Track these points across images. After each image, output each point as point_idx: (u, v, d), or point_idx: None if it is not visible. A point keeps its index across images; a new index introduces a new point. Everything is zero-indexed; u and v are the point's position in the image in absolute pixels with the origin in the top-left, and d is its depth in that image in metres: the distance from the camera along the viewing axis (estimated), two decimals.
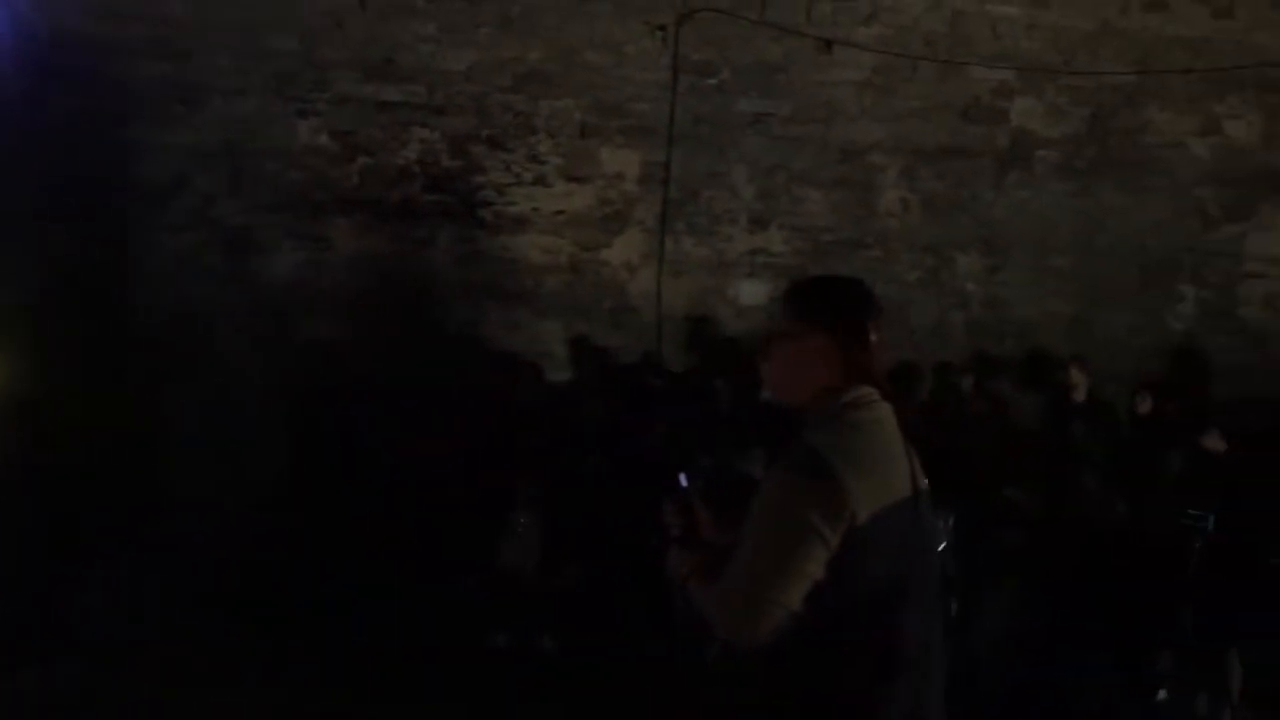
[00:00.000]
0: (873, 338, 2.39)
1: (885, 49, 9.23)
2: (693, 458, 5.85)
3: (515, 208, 8.98)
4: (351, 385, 8.21)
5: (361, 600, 6.43)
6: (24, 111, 7.84)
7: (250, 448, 7.83)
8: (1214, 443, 6.32)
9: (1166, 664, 5.50)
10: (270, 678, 5.71)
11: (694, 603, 2.33)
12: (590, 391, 8.46)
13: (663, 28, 9.00)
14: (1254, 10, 9.65)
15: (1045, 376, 8.90)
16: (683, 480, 2.59)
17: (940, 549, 3.18)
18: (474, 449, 7.04)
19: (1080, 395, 7.38)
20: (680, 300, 9.19)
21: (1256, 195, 9.74)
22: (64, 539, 6.59)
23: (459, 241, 8.91)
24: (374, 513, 6.92)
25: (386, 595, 6.54)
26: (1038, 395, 8.88)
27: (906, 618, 2.18)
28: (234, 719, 5.33)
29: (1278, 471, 6.57)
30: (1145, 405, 7.38)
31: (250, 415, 7.97)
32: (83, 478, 6.94)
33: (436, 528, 6.85)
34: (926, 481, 2.35)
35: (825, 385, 2.32)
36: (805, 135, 9.27)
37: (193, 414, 7.90)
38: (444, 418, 8.15)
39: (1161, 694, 5.50)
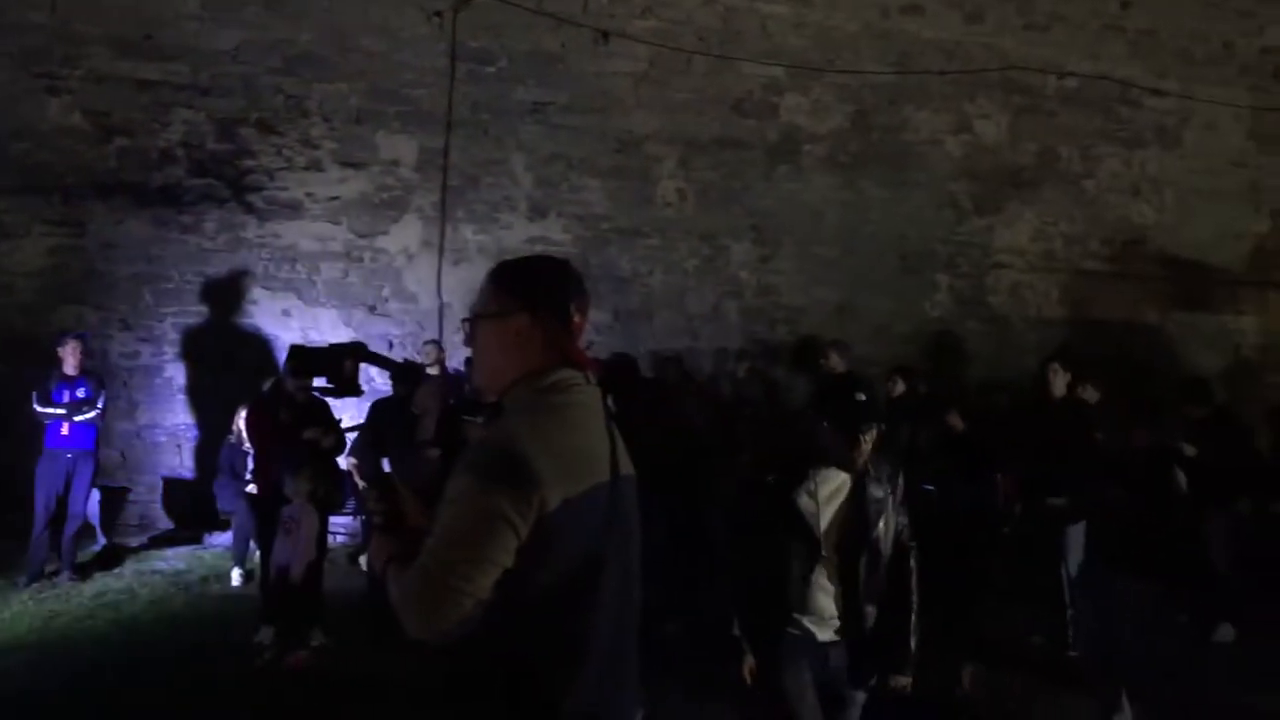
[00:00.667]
0: (576, 319, 2.28)
1: (660, 42, 9.62)
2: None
3: (287, 193, 8.93)
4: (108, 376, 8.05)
5: None
6: None
7: None
8: (954, 420, 6.87)
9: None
10: None
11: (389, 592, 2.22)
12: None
13: (439, 14, 9.11)
14: (1001, 16, 10.52)
15: (812, 361, 9.50)
16: (385, 466, 2.61)
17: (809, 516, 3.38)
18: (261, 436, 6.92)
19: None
20: (460, 288, 9.35)
21: (1003, 191, 10.64)
22: None
23: (227, 228, 8.80)
24: None
25: None
26: (805, 379, 9.49)
27: (599, 605, 2.15)
28: None
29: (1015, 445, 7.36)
30: (898, 387, 7.97)
31: None
32: None
33: None
34: (631, 467, 2.29)
35: (527, 368, 2.23)
36: (583, 125, 9.57)
37: None
38: (220, 407, 8.08)
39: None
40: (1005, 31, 10.51)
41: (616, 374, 5.76)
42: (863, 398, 3.39)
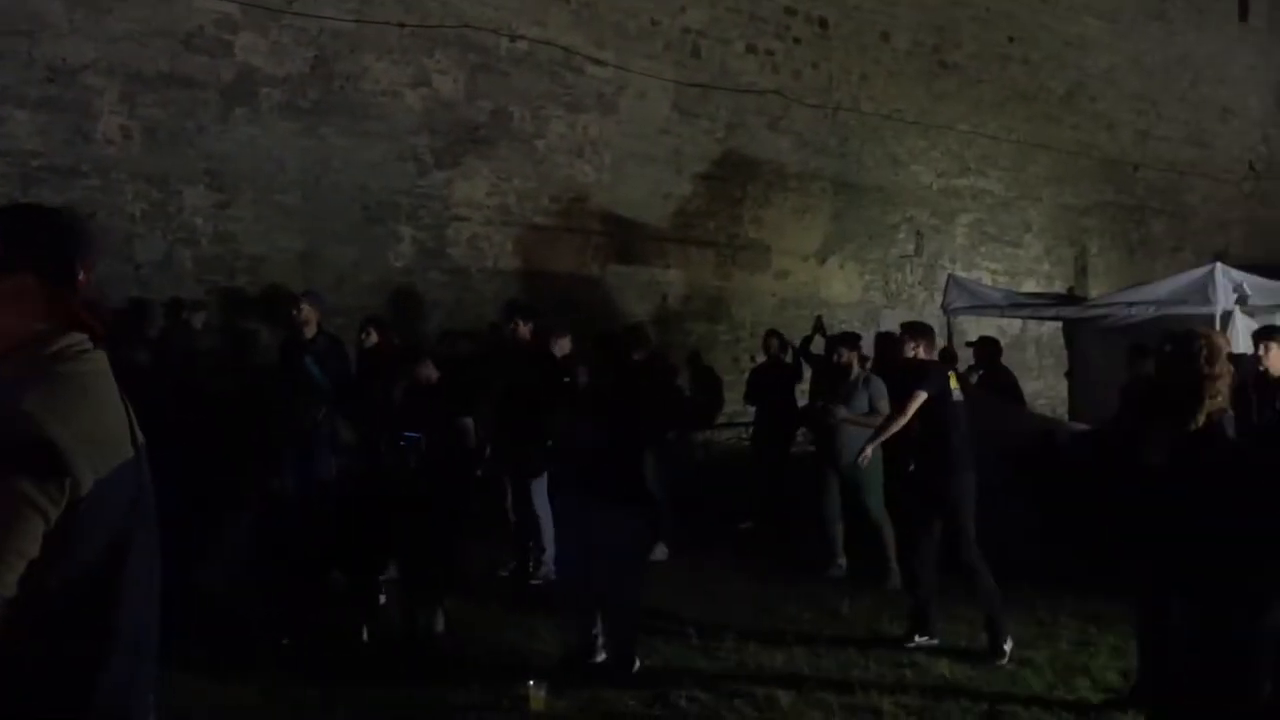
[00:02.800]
0: (81, 277, 2.15)
1: None
2: None
3: None
4: None
5: None
6: None
7: None
8: (427, 371, 7.48)
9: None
10: None
11: None
12: None
13: None
14: None
15: (280, 313, 9.70)
16: None
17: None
18: None
19: (311, 330, 8.15)
20: None
21: (462, 146, 11.58)
22: None
23: None
24: None
25: None
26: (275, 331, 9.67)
27: (126, 592, 2.08)
28: None
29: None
30: (371, 339, 8.49)
31: None
32: None
33: None
34: (143, 436, 2.20)
35: (28, 333, 2.06)
36: (7, 49, 8.93)
37: None
38: None
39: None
40: None
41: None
42: None
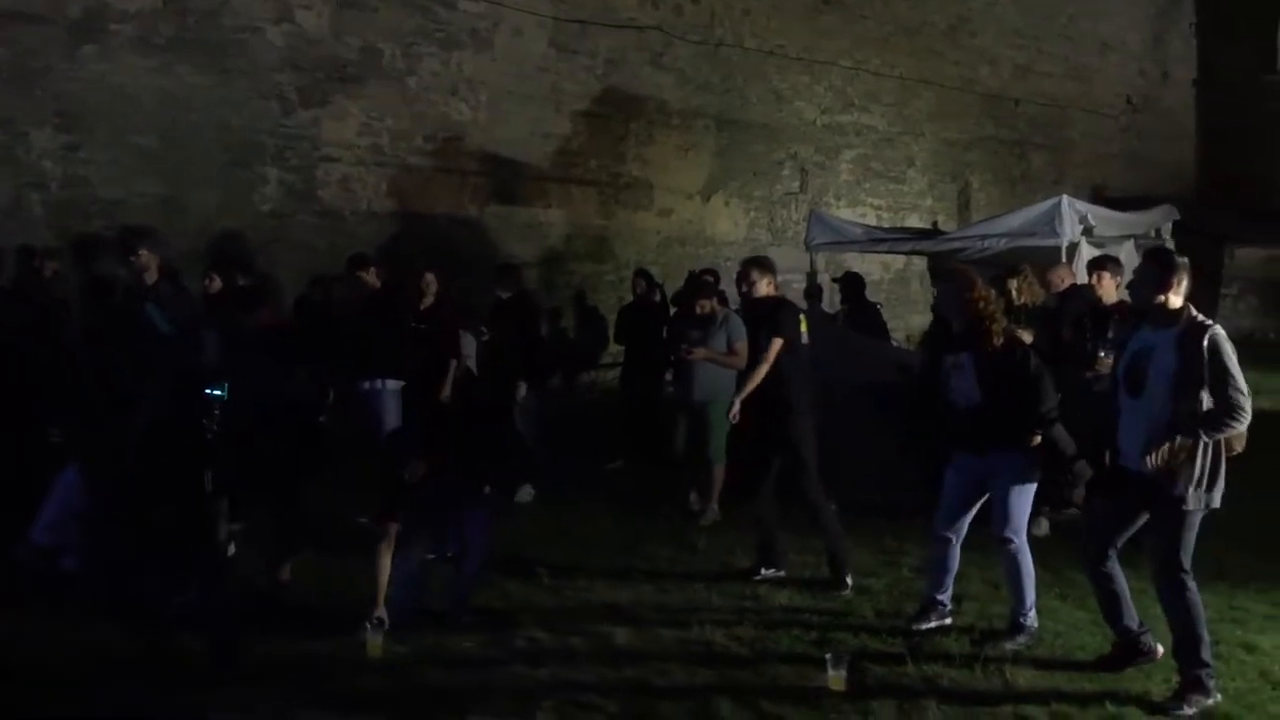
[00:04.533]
0: None
1: None
2: None
3: None
4: None
5: None
6: None
7: None
8: (256, 316, 7.23)
9: None
10: None
11: None
12: None
13: None
14: None
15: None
16: None
17: None
18: None
19: (152, 276, 7.95)
20: None
21: (329, 84, 11.28)
22: None
23: None
24: None
25: None
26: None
27: None
28: None
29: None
30: (215, 284, 8.29)
31: None
32: None
33: None
34: None
35: None
36: None
37: None
38: None
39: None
40: None
41: None
42: None
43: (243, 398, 6.12)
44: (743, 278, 6.53)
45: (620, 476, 9.16)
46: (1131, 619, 4.86)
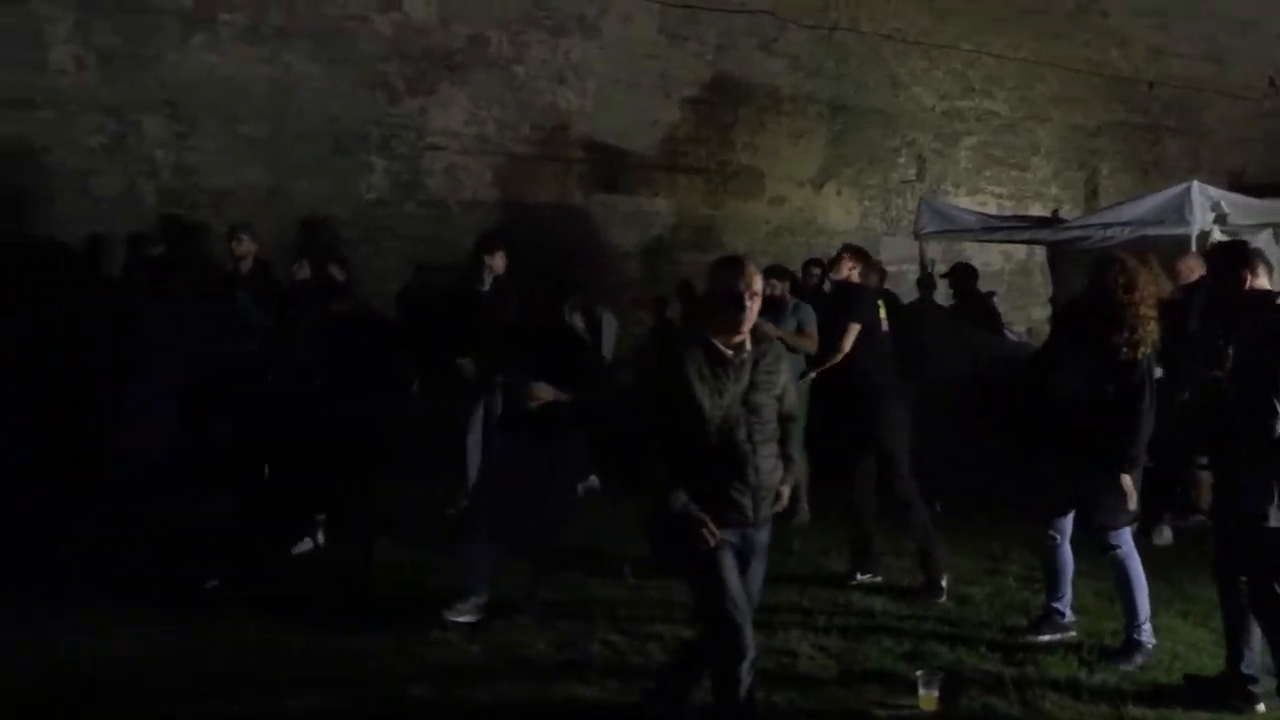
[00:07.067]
0: None
1: None
2: None
3: None
4: None
5: None
6: None
7: None
8: (342, 306, 7.13)
9: None
10: None
11: None
12: None
13: None
14: None
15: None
16: None
17: None
18: None
19: (248, 265, 7.98)
20: None
21: (436, 73, 11.17)
22: None
23: None
24: None
25: None
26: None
27: None
28: None
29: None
30: (303, 272, 8.24)
31: None
32: None
33: None
34: None
35: None
36: None
37: None
38: None
39: None
40: None
41: None
42: None
43: (316, 386, 6.01)
44: (834, 262, 6.16)
45: None
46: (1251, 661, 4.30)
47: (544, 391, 5.15)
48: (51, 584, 5.50)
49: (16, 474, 6.40)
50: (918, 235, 10.39)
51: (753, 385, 3.71)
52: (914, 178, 14.91)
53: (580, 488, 7.87)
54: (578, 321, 8.12)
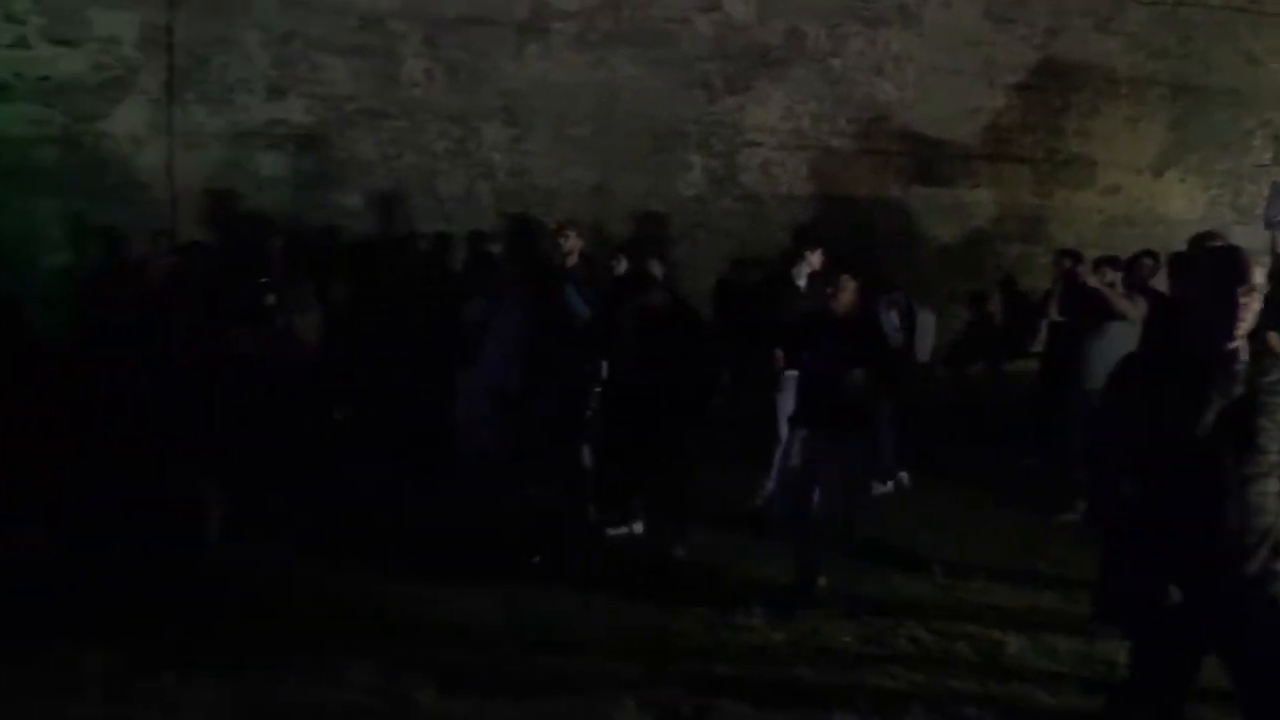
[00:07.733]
0: None
1: None
2: None
3: None
4: None
5: None
6: None
7: None
8: (654, 298, 7.25)
9: None
10: None
11: None
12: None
13: None
14: None
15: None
16: None
17: None
18: None
19: (574, 260, 8.34)
20: (195, 174, 9.35)
21: (754, 70, 11.29)
22: None
23: None
24: None
25: None
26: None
27: None
28: None
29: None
30: (621, 266, 8.51)
31: None
32: None
33: None
34: None
35: None
36: (321, 2, 9.60)
37: None
38: None
39: None
40: None
41: None
42: None
43: (628, 379, 6.21)
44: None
45: (1030, 473, 8.24)
46: None
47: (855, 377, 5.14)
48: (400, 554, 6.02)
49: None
50: (1269, 223, 9.46)
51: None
52: (1269, 161, 13.55)
53: (889, 484, 7.74)
54: (893, 319, 7.94)
